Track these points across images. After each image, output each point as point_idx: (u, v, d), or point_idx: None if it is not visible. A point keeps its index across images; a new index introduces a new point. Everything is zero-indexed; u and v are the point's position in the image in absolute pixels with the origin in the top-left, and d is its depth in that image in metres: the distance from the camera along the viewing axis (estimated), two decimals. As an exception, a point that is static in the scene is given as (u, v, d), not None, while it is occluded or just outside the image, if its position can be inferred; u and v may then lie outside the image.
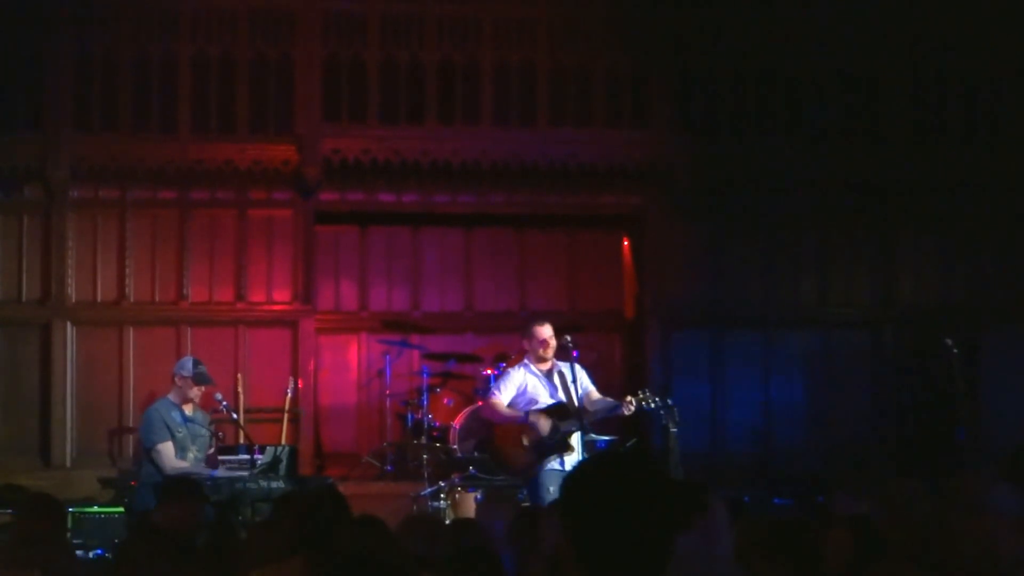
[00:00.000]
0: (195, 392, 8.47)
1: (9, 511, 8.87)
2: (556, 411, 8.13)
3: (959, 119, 11.66)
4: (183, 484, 6.73)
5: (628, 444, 10.00)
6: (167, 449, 8.30)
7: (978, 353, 11.23)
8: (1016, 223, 11.68)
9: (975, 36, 11.66)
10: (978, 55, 11.65)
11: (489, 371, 10.76)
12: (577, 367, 8.37)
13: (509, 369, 8.52)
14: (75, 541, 8.56)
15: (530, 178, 11.30)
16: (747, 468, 10.60)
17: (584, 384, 8.35)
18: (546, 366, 8.28)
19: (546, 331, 8.30)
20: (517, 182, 11.37)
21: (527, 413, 8.13)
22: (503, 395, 8.26)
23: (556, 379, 8.19)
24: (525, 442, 8.11)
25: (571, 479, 2.49)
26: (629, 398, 8.16)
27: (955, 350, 9.82)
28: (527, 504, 8.15)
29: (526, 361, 8.36)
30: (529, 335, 8.34)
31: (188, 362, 8.65)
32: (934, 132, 11.61)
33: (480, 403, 10.51)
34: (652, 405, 8.27)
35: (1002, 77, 11.68)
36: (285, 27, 11.08)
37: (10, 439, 10.76)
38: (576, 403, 8.14)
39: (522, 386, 8.23)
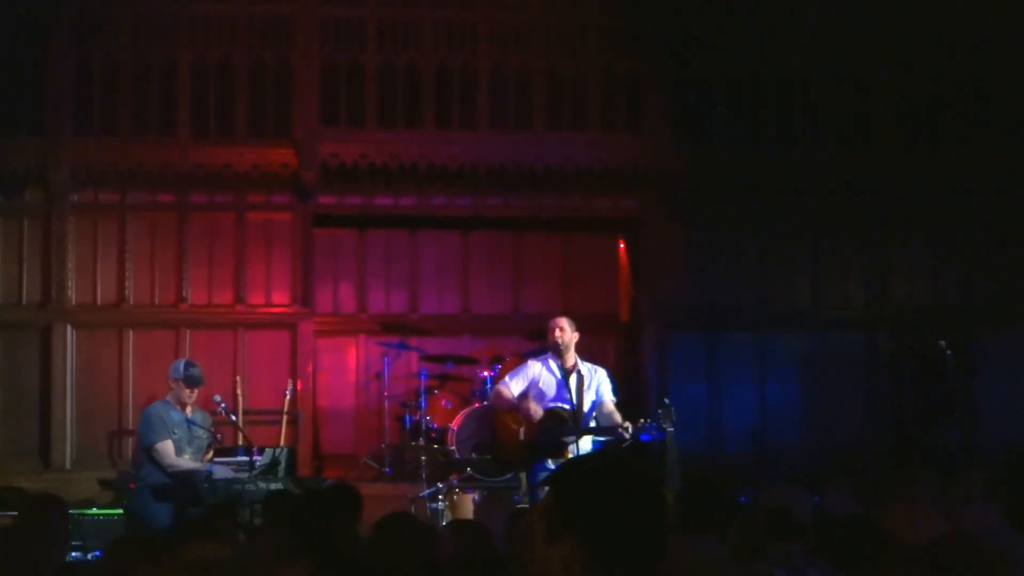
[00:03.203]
0: (187, 394, 8.50)
1: (9, 513, 8.93)
2: (552, 415, 8.12)
3: (952, 122, 11.74)
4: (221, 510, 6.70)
5: (624, 445, 10.04)
6: (166, 447, 8.34)
7: (972, 354, 11.29)
8: (1009, 225, 11.75)
9: (967, 40, 11.74)
10: (970, 59, 11.73)
11: (486, 373, 10.81)
12: (602, 373, 8.29)
13: (528, 360, 8.47)
14: (74, 543, 8.59)
15: (526, 182, 11.36)
16: (743, 468, 10.63)
17: (603, 394, 8.21)
18: (566, 363, 8.20)
19: (559, 322, 8.29)
20: (514, 185, 11.43)
21: (520, 398, 8.11)
22: (514, 386, 8.23)
23: (573, 379, 8.12)
24: (521, 436, 8.12)
25: (556, 479, 2.52)
26: (627, 424, 8.07)
27: (949, 351, 9.90)
28: (523, 505, 8.20)
29: (547, 356, 8.33)
30: (547, 328, 8.39)
31: (180, 364, 8.68)
32: (927, 135, 11.69)
33: (477, 404, 10.59)
34: (651, 435, 8.21)
35: (994, 80, 11.75)
36: (283, 32, 11.15)
37: (10, 441, 10.82)
38: (585, 408, 8.09)
39: (535, 379, 8.21)
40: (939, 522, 4.18)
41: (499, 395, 8.28)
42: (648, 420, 8.14)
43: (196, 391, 8.55)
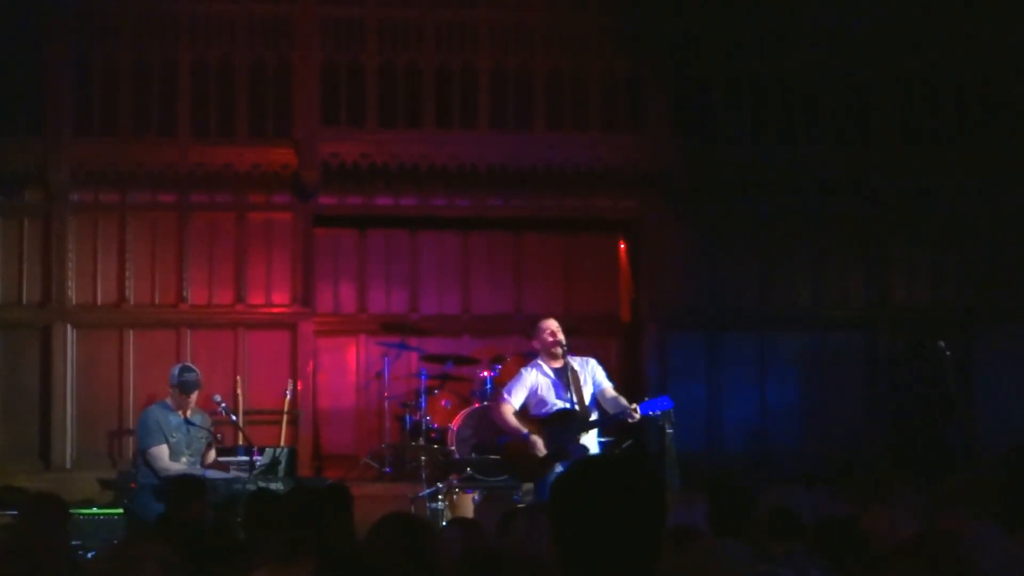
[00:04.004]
0: (184, 400, 8.55)
1: (9, 512, 8.93)
2: (558, 418, 8.12)
3: (951, 122, 11.74)
4: (188, 484, 6.75)
5: (624, 446, 10.05)
6: (160, 452, 8.36)
7: (971, 354, 11.30)
8: (1008, 225, 11.75)
9: (966, 41, 11.73)
10: (969, 59, 11.72)
11: (486, 373, 10.81)
12: (593, 362, 8.30)
13: (522, 370, 8.42)
14: (74, 542, 8.59)
15: (527, 182, 11.36)
16: (743, 468, 10.64)
17: (599, 381, 8.23)
18: (558, 363, 8.17)
19: (552, 324, 8.27)
20: (514, 186, 11.44)
21: (527, 435, 8.08)
22: (514, 399, 8.18)
23: (568, 377, 8.12)
24: (534, 449, 8.12)
25: (558, 483, 2.53)
26: (635, 406, 8.07)
27: (948, 352, 9.90)
28: (523, 505, 8.19)
29: (538, 361, 8.28)
30: (536, 332, 8.29)
31: (176, 370, 8.71)
32: (926, 135, 11.69)
33: (477, 404, 10.58)
34: (658, 413, 8.23)
35: (993, 80, 11.75)
36: (284, 32, 11.15)
37: (10, 441, 10.82)
38: (587, 402, 8.09)
39: (534, 387, 8.19)
40: (914, 525, 4.19)
41: (503, 417, 8.22)
42: (646, 398, 8.17)
43: (193, 395, 8.59)
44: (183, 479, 7.17)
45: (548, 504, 2.57)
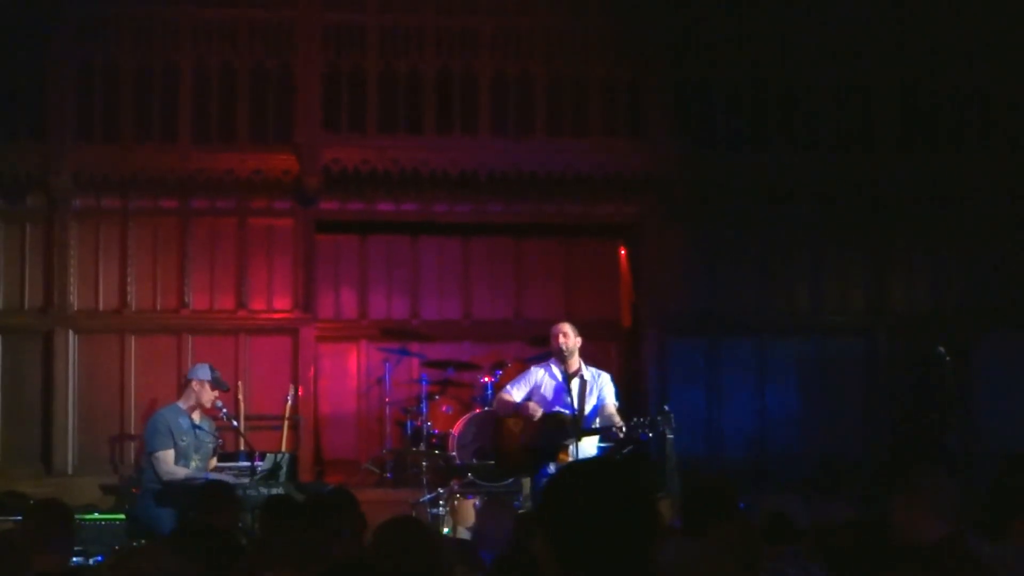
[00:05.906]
0: (209, 397, 8.55)
1: (11, 518, 8.94)
2: (552, 419, 8.15)
3: (951, 128, 11.75)
4: (221, 490, 6.74)
5: (625, 451, 10.06)
6: (166, 456, 8.37)
7: (970, 360, 11.30)
8: (1009, 230, 11.77)
9: (966, 45, 11.76)
10: (969, 64, 11.75)
11: (487, 379, 10.83)
12: (606, 377, 8.34)
13: (531, 367, 8.52)
14: (76, 548, 8.60)
15: (528, 187, 11.38)
16: (743, 474, 10.65)
17: (604, 396, 8.27)
18: (570, 368, 8.23)
19: (562, 327, 8.35)
20: (515, 191, 11.46)
21: (519, 404, 8.15)
22: (515, 392, 8.28)
23: (575, 384, 8.15)
24: (522, 440, 8.15)
25: (548, 484, 2.55)
26: (621, 424, 8.10)
27: (947, 357, 9.91)
28: (525, 511, 8.21)
29: (551, 362, 8.36)
30: (550, 334, 8.42)
31: (206, 367, 8.73)
32: (926, 141, 11.71)
33: (478, 410, 10.60)
34: (648, 434, 8.25)
35: (993, 85, 11.77)
36: (285, 38, 11.17)
37: (12, 446, 10.83)
38: (586, 412, 8.11)
39: (537, 385, 8.26)
40: (948, 522, 4.18)
41: (501, 401, 8.35)
42: (644, 418, 8.20)
43: (218, 394, 8.62)
44: (216, 485, 7.16)
45: (538, 504, 2.58)
